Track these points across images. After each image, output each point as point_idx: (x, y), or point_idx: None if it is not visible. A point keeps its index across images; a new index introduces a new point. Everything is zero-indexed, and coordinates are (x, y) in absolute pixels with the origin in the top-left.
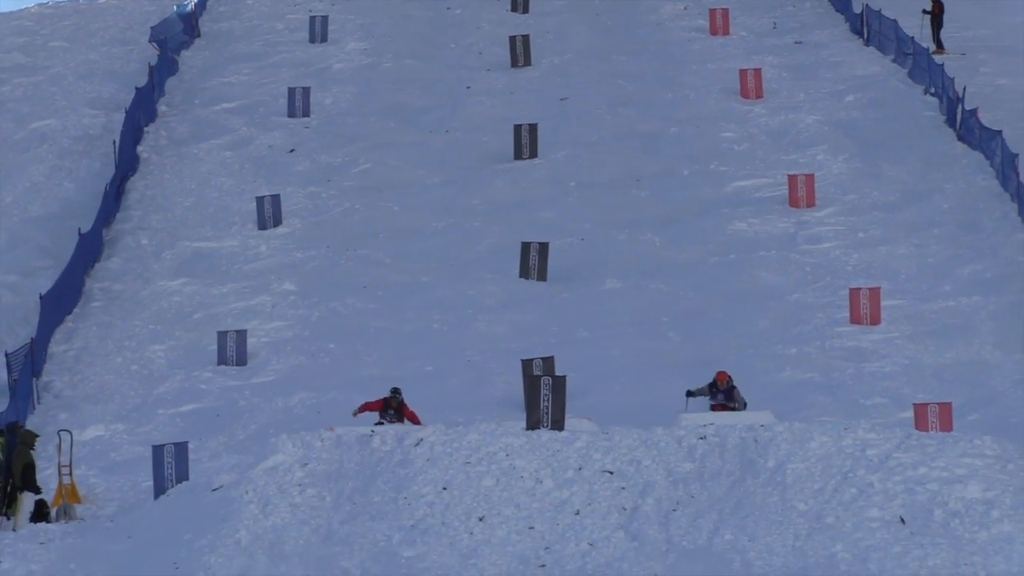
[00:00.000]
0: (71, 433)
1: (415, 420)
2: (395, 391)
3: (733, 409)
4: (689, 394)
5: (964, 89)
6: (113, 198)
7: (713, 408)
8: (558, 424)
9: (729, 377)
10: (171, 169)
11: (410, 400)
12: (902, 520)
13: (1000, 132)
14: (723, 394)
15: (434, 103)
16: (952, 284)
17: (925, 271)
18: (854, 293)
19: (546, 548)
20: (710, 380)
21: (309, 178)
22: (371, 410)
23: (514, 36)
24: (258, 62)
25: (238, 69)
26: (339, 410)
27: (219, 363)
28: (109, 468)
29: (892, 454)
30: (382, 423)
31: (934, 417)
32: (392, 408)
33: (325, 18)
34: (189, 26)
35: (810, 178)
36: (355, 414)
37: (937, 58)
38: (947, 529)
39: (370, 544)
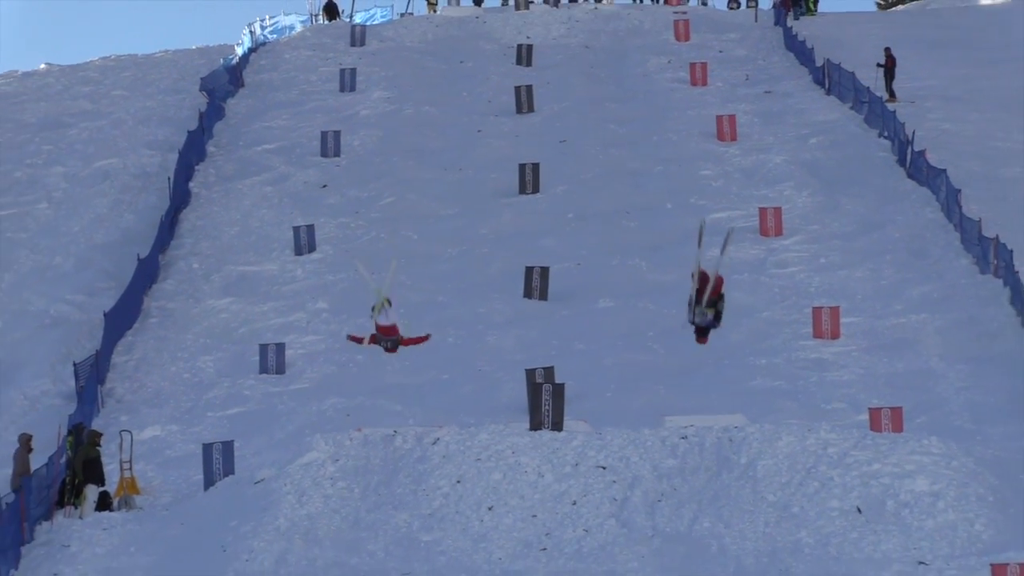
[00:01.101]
0: (131, 433)
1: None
2: (387, 340)
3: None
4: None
5: (913, 133)
6: (168, 228)
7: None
8: (557, 425)
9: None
10: (219, 202)
11: (427, 403)
12: (859, 510)
13: (944, 171)
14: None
15: (448, 144)
16: (902, 303)
17: (879, 292)
18: (816, 311)
19: (547, 534)
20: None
21: (339, 210)
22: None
23: (519, 86)
24: (294, 108)
25: (277, 115)
26: (366, 413)
27: (261, 372)
28: (164, 463)
29: (850, 452)
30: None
31: (887, 420)
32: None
33: (353, 70)
34: (234, 77)
35: (778, 210)
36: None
37: (890, 106)
38: (898, 518)
39: (393, 530)
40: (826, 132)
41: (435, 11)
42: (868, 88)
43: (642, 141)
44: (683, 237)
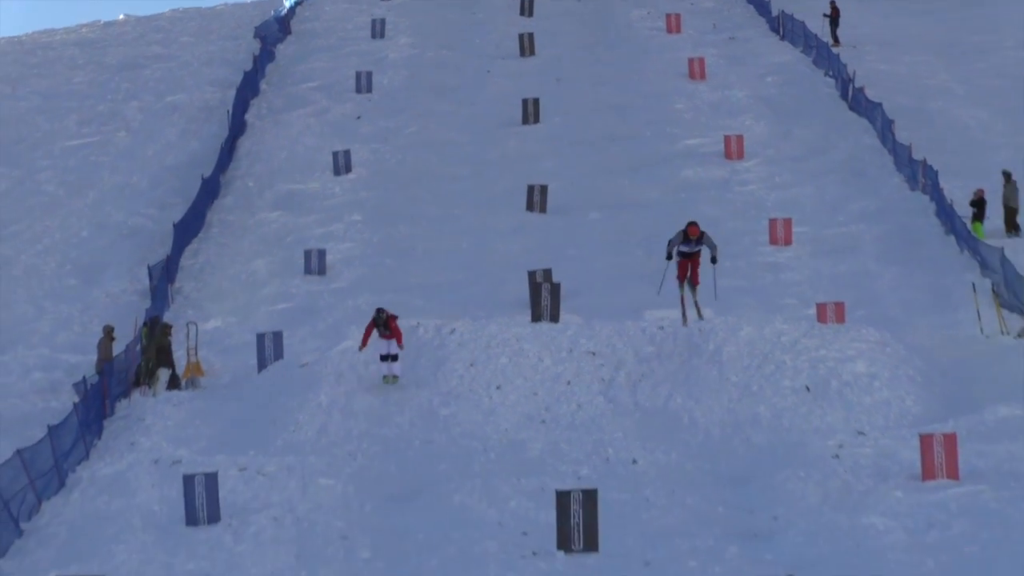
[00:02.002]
0: (196, 324)
1: (398, 335)
2: (379, 311)
3: (698, 254)
4: (668, 257)
5: (854, 72)
6: (227, 152)
7: (683, 255)
8: (555, 318)
9: (701, 232)
10: (269, 131)
11: (445, 299)
12: (807, 388)
13: (880, 104)
14: (695, 241)
15: (463, 83)
16: (844, 215)
17: (824, 206)
18: (772, 222)
19: (546, 408)
20: (682, 229)
21: (371, 137)
22: (369, 334)
23: (522, 33)
24: (333, 52)
25: (318, 58)
26: (393, 308)
27: (305, 273)
28: (224, 350)
29: (800, 340)
30: (381, 334)
31: (831, 313)
32: (381, 324)
33: (383, 20)
34: (283, 26)
35: (740, 138)
36: (361, 348)
37: (834, 50)
38: (841, 395)
39: (416, 405)
40: (780, 72)
41: None
42: (816, 35)
43: (625, 80)
44: (660, 160)
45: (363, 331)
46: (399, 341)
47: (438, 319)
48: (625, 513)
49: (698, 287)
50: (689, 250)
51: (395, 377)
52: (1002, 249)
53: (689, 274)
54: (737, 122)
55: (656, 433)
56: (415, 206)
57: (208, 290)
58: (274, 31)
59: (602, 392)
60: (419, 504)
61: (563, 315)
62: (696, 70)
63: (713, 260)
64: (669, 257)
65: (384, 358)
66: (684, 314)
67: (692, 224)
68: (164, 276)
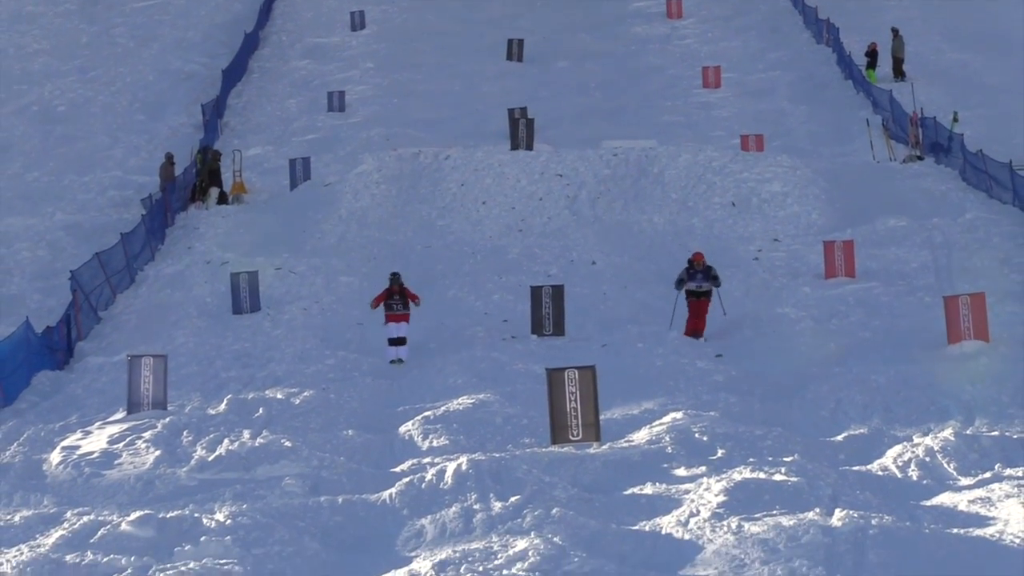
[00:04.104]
0: (241, 152)
1: (414, 298)
2: (394, 275)
3: (708, 294)
4: (678, 285)
5: None
6: (265, 12)
7: (690, 292)
8: (529, 147)
9: (703, 259)
10: None
11: (441, 131)
12: (733, 204)
13: None
14: (701, 274)
15: None
16: (764, 64)
17: (747, 56)
18: (705, 69)
19: (522, 220)
20: (686, 262)
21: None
22: (381, 300)
23: None
24: None
25: None
26: (400, 139)
27: (328, 110)
28: (264, 172)
29: (727, 165)
30: (393, 310)
31: (752, 143)
32: (396, 294)
33: None
34: None
35: (679, 1)
36: (374, 307)
37: None
38: (760, 210)
39: (418, 217)
40: None
41: None
42: None
43: None
44: (615, 19)
45: (375, 299)
46: (415, 300)
47: (435, 147)
48: (586, 305)
49: (703, 335)
50: (698, 288)
51: (401, 360)
52: (891, 91)
53: (695, 327)
54: None
55: (611, 240)
56: (417, 56)
57: (250, 124)
58: None
59: (568, 207)
60: (421, 297)
61: (536, 144)
62: None
63: (716, 281)
64: (680, 286)
65: (392, 342)
66: None
67: (698, 253)
68: (214, 112)
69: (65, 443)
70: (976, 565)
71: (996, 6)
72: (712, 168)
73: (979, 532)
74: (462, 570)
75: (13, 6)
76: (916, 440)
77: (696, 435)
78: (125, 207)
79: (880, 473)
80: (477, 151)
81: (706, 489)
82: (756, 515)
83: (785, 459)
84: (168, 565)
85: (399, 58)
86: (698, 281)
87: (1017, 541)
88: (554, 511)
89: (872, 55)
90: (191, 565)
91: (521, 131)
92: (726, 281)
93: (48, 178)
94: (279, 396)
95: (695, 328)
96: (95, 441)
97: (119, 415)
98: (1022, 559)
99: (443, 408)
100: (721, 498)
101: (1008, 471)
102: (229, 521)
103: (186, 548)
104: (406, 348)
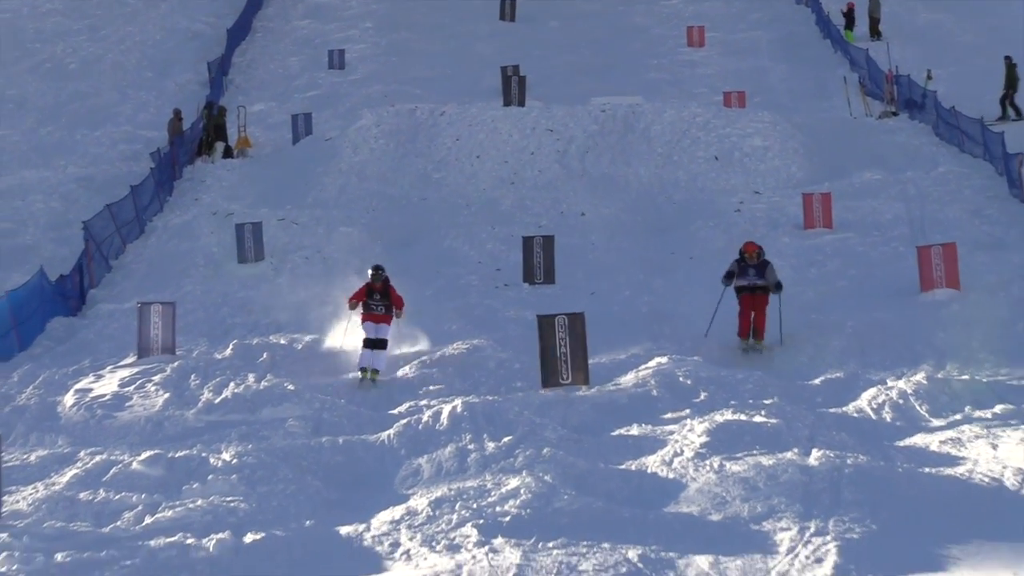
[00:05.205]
0: (245, 108)
1: (399, 304)
2: (376, 270)
3: (764, 289)
4: (726, 279)
5: None
6: None
7: (742, 291)
8: (521, 103)
9: (759, 249)
10: None
11: (437, 88)
12: (716, 158)
13: None
14: (754, 269)
15: None
16: (746, 24)
17: (730, 16)
18: (689, 29)
19: (514, 173)
20: (737, 255)
21: None
22: (358, 299)
23: None
24: None
25: None
26: (398, 95)
27: (329, 68)
28: (267, 127)
29: (711, 120)
30: (372, 310)
31: (735, 99)
32: (377, 292)
33: None
34: None
35: None
36: (351, 306)
37: None
38: (742, 163)
39: (415, 171)
40: None
41: None
42: None
43: None
44: None
45: (351, 297)
46: (400, 307)
47: (431, 104)
48: (575, 254)
49: (763, 339)
50: (751, 284)
51: (375, 372)
52: (867, 50)
53: (753, 321)
54: None
55: (599, 192)
56: (413, 16)
57: (254, 81)
58: None
59: (558, 161)
60: (417, 247)
61: (528, 101)
62: None
63: (778, 287)
64: (729, 280)
65: (368, 344)
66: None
67: (749, 242)
68: (220, 70)
69: (78, 386)
70: (947, 503)
71: None
72: (696, 124)
73: (950, 471)
74: (457, 507)
75: None
76: (890, 383)
77: (680, 379)
78: (135, 160)
79: (856, 415)
80: (471, 107)
81: (689, 430)
82: (737, 455)
83: (765, 402)
84: (177, 502)
85: (397, 18)
86: (750, 279)
87: (986, 480)
88: (545, 451)
89: (849, 15)
90: (199, 502)
91: (513, 88)
92: (709, 232)
93: (61, 133)
94: (282, 341)
95: (755, 325)
96: (107, 384)
97: (130, 359)
98: (991, 497)
99: (439, 353)
100: (704, 439)
101: (978, 413)
102: (235, 460)
103: (194, 486)
104: (384, 355)
